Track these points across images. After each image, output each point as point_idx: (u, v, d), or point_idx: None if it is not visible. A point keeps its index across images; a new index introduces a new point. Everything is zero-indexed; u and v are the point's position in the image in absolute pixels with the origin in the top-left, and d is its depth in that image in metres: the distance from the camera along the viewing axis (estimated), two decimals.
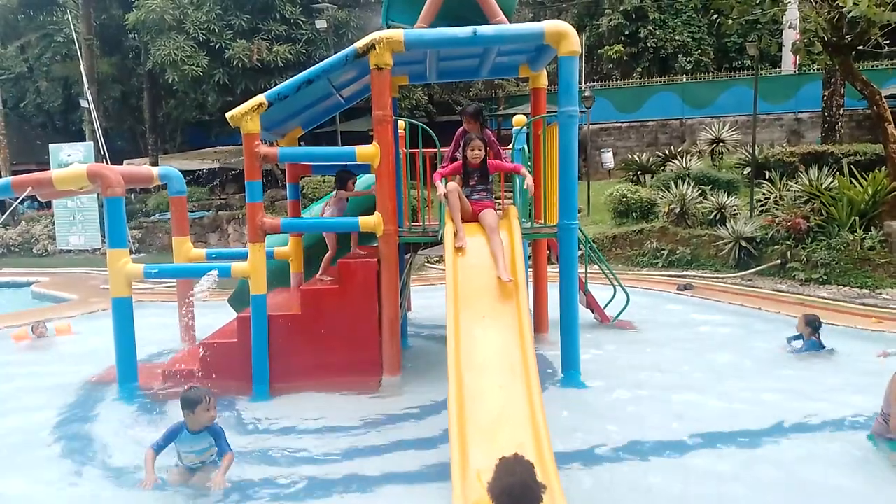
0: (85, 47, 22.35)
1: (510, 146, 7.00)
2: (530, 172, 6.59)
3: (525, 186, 5.85)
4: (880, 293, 9.18)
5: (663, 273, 11.74)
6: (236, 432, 5.05)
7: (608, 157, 22.98)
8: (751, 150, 14.27)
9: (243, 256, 6.06)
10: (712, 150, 18.96)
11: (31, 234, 20.88)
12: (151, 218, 21.84)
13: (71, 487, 4.23)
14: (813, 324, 6.58)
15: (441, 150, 6.52)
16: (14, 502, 4.06)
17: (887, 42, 11.74)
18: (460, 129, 6.77)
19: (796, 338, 6.72)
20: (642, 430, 4.76)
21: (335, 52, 6.06)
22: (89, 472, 4.41)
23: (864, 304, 8.57)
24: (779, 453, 4.35)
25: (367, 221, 5.90)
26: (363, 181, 7.89)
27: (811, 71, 21.80)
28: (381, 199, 5.91)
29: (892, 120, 10.96)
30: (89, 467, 4.49)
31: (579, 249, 6.29)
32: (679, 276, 11.20)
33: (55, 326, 8.82)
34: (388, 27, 6.26)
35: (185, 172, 8.07)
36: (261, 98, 5.80)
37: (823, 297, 9.11)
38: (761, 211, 12.03)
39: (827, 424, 4.79)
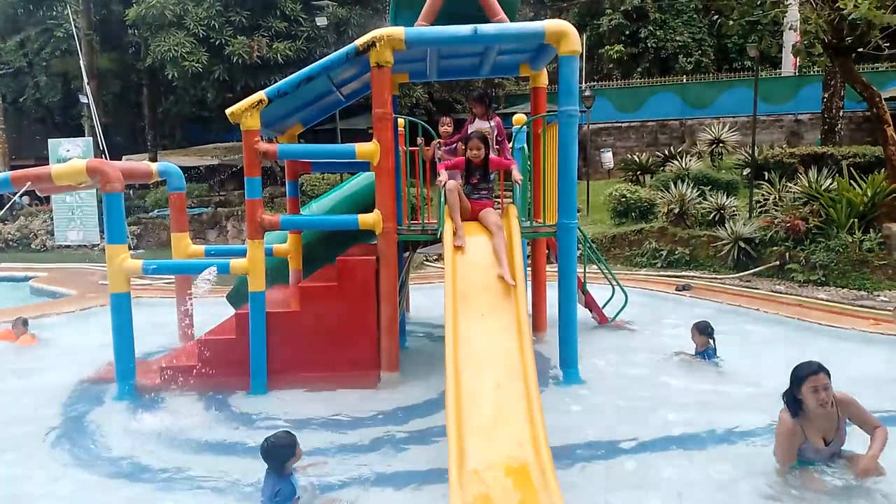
0: (84, 42, 22.34)
1: (510, 145, 7.03)
2: (530, 171, 6.59)
3: (513, 179, 5.92)
4: (878, 295, 9.18)
5: (662, 273, 11.74)
6: (232, 427, 5.08)
7: (608, 157, 23.00)
8: (750, 151, 14.27)
9: (242, 253, 6.06)
10: (712, 150, 19.01)
11: (29, 229, 20.87)
12: (150, 214, 21.84)
13: (71, 484, 4.22)
14: (706, 330, 6.42)
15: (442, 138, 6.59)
16: (19, 500, 4.06)
17: (887, 44, 11.76)
18: (471, 116, 6.84)
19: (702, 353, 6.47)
20: (640, 429, 4.76)
21: (335, 50, 6.05)
22: (91, 469, 4.41)
23: (861, 306, 8.57)
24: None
25: (367, 219, 5.91)
26: (361, 179, 7.90)
27: (811, 73, 21.86)
28: (381, 197, 5.91)
29: (891, 122, 10.96)
30: (90, 464, 4.49)
31: (578, 249, 6.30)
32: (678, 277, 11.20)
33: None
34: None
35: (184, 169, 8.04)
36: (261, 94, 5.79)
37: (821, 299, 9.12)
38: (760, 212, 12.03)
39: None
